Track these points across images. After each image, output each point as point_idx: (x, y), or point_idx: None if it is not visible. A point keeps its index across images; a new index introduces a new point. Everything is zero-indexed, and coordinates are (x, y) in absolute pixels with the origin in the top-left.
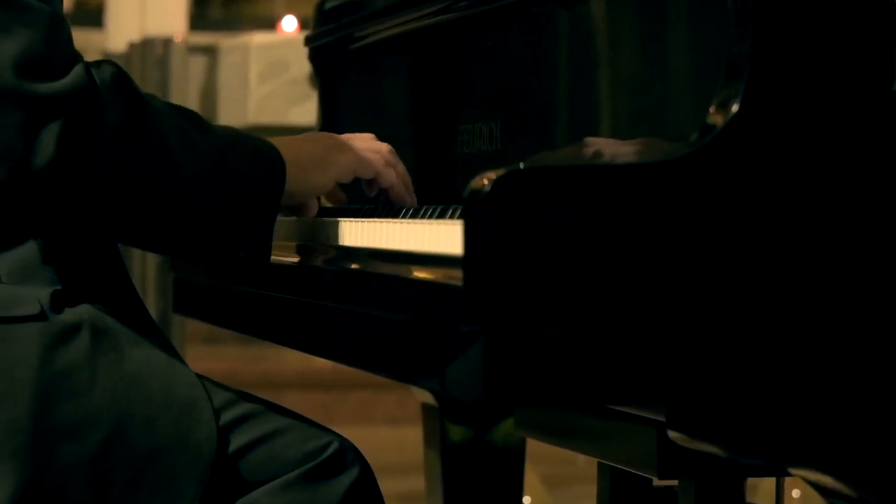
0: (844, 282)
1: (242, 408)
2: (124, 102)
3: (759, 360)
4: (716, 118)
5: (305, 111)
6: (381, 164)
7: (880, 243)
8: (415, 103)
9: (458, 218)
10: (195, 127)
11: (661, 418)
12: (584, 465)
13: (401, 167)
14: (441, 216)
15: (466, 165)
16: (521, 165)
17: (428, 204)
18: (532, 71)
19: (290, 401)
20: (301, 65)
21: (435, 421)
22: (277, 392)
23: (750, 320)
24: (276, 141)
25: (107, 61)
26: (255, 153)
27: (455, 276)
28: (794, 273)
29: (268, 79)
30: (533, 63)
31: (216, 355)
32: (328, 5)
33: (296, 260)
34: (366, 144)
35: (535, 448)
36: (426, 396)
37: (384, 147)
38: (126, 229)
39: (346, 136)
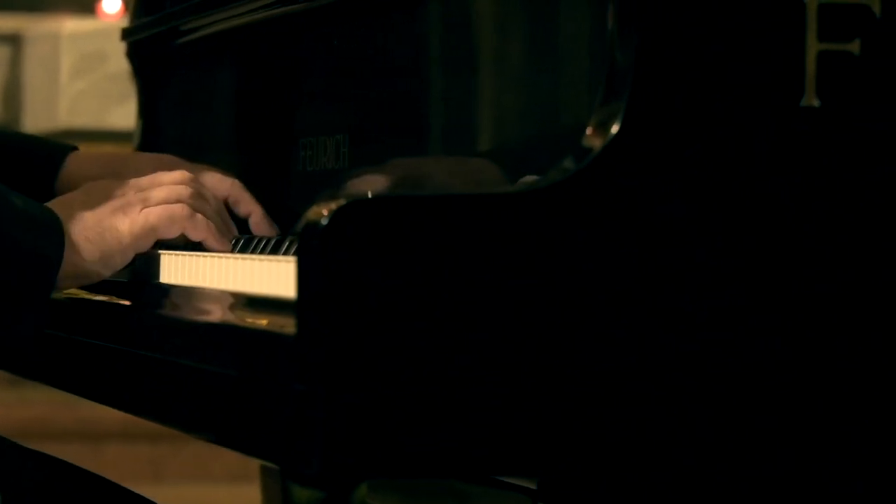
0: (748, 323)
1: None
2: None
3: (646, 421)
4: (593, 140)
5: (126, 112)
6: (187, 216)
7: (788, 279)
8: (250, 111)
9: (295, 253)
10: None
11: (535, 486)
12: None
13: (210, 207)
14: (275, 250)
15: (309, 185)
16: (369, 194)
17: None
18: (385, 76)
19: (112, 454)
20: (123, 57)
21: (276, 483)
22: (96, 444)
23: (634, 374)
24: (55, 206)
25: None
26: (25, 221)
27: (288, 324)
28: (685, 317)
29: (82, 73)
30: (387, 67)
31: (24, 400)
32: None
33: (106, 298)
34: (164, 193)
35: None
36: None
37: (186, 190)
38: None
39: (142, 184)
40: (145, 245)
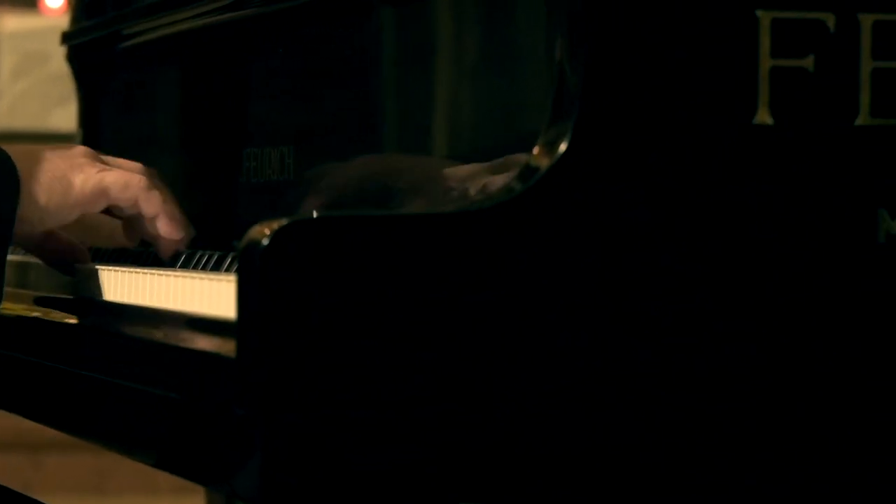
0: (698, 348)
1: None
2: None
3: (605, 444)
4: (540, 160)
5: (68, 114)
6: (143, 186)
7: (740, 308)
8: (193, 120)
9: (236, 272)
10: None
11: None
12: None
13: (166, 193)
14: (217, 266)
15: (253, 197)
16: (314, 214)
17: (206, 247)
18: (331, 87)
19: (54, 466)
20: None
21: (221, 498)
22: (36, 454)
23: (590, 396)
24: (11, 151)
25: None
26: None
27: (230, 346)
28: (636, 335)
29: (23, 73)
30: (333, 78)
31: None
32: None
33: (42, 314)
34: (126, 171)
35: None
36: None
37: (146, 175)
38: None
39: (106, 159)
40: (95, 206)
